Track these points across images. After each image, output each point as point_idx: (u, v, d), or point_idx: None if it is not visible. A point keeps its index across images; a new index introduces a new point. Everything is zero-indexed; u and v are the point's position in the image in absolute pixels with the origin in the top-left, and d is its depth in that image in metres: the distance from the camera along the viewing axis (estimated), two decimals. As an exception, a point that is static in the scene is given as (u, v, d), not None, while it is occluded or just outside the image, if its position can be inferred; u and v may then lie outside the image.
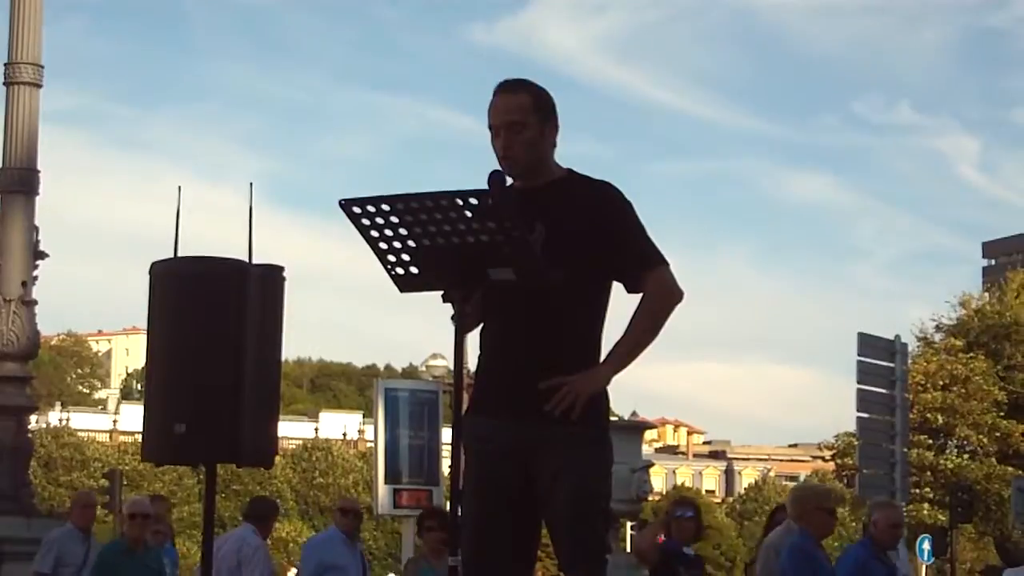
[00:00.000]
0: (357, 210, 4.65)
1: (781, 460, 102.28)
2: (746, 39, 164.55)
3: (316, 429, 79.17)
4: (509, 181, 4.99)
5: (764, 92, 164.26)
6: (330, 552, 11.62)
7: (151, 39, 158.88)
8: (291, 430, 73.51)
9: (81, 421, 76.37)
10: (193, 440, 6.10)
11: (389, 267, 4.77)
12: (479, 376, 5.16)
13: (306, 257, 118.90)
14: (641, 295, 5.07)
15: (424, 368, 25.68)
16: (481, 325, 5.11)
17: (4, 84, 15.81)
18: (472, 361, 5.26)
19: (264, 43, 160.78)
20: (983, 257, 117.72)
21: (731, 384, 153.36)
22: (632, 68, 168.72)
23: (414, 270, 4.75)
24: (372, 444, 21.91)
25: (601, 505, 5.02)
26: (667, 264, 5.09)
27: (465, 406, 5.20)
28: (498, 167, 4.99)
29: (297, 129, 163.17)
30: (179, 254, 6.32)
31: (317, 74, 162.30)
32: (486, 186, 4.69)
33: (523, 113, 5.06)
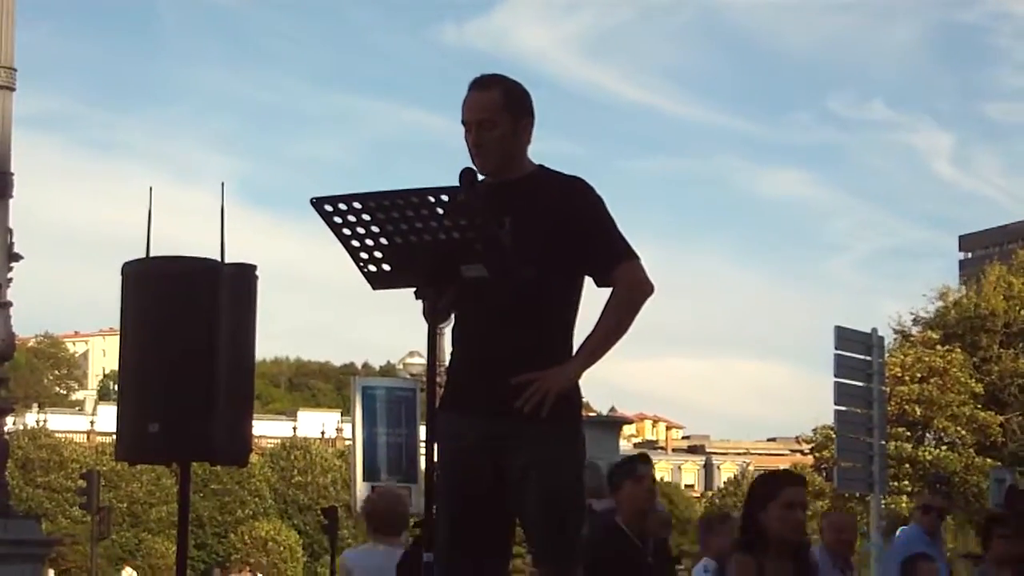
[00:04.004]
0: (329, 208, 4.64)
1: (760, 454, 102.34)
2: (718, 36, 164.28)
3: (294, 428, 78.94)
4: (481, 178, 4.99)
5: (737, 89, 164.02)
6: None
7: (123, 42, 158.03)
8: (269, 429, 73.32)
9: (58, 422, 75.99)
10: (166, 439, 6.10)
11: (362, 265, 4.75)
12: (451, 372, 5.16)
13: (283, 257, 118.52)
14: (611, 289, 5.07)
15: (401, 366, 25.63)
16: (453, 321, 5.12)
17: (-24, 87, 15.73)
18: (446, 358, 5.26)
19: (236, 45, 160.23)
20: (960, 251, 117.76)
21: (709, 379, 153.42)
22: (604, 66, 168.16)
23: (386, 268, 4.73)
24: (350, 442, 21.90)
25: (572, 502, 5.02)
26: (637, 258, 5.08)
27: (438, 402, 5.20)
28: (471, 163, 5.00)
29: (269, 130, 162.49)
30: (152, 255, 6.31)
31: (289, 76, 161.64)
32: (457, 184, 4.70)
33: (494, 111, 5.05)
